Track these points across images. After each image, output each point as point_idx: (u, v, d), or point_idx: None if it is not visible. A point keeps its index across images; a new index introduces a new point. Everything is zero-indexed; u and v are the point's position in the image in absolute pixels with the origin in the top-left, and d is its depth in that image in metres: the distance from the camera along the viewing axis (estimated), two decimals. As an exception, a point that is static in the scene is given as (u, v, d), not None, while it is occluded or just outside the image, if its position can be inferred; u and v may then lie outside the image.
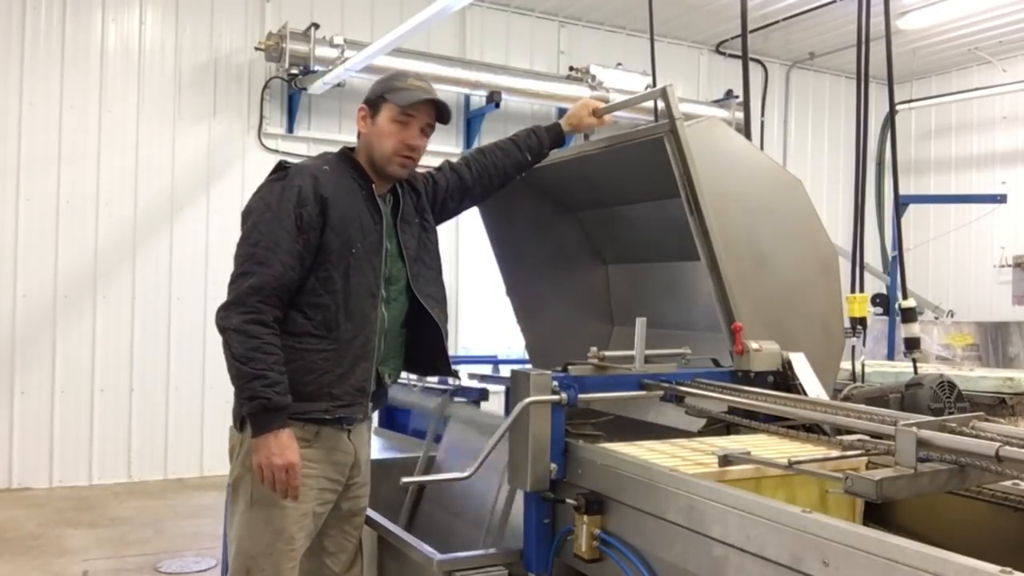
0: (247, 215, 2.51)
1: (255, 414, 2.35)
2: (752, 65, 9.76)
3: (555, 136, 3.05)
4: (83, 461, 7.13)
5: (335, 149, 2.77)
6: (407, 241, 2.68)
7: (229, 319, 2.37)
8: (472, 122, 8.58)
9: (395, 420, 4.24)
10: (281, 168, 2.55)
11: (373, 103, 2.63)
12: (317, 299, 2.47)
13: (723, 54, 10.03)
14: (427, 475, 3.51)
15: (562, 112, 8.73)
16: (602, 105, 3.07)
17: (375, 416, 3.81)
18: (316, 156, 2.73)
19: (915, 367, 4.67)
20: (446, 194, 2.89)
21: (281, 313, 2.42)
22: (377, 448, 3.90)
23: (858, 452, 1.99)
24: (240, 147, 7.76)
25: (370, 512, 2.87)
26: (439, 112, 2.66)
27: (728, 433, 2.54)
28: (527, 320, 4.01)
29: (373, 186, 2.62)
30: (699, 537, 1.79)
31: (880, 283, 9.26)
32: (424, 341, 2.72)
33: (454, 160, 2.99)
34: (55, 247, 7.08)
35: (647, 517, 1.96)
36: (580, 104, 3.08)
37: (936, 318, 9.48)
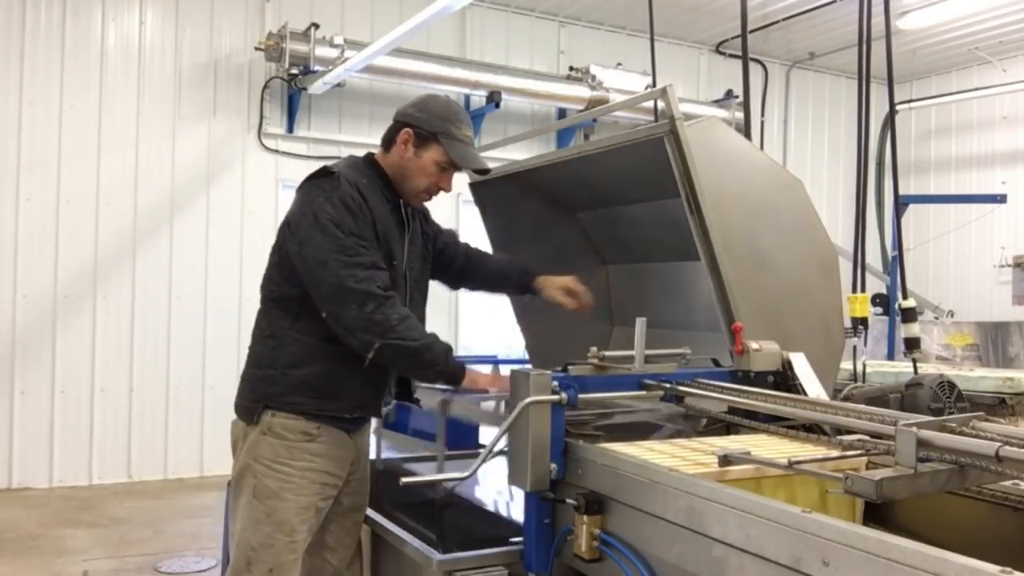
0: (306, 226, 2.48)
1: (456, 372, 2.56)
2: (752, 65, 9.75)
3: (525, 285, 3.14)
4: (83, 461, 7.13)
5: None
6: (412, 262, 2.75)
7: (388, 319, 2.41)
8: (472, 122, 8.56)
9: (396, 420, 4.23)
10: (328, 173, 2.56)
11: (423, 136, 2.63)
12: None
13: (723, 54, 10.03)
14: (427, 475, 3.50)
15: (562, 113, 8.84)
16: (581, 290, 3.05)
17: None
18: (349, 164, 2.69)
19: (915, 367, 4.67)
20: (440, 254, 3.01)
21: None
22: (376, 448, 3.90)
23: (858, 452, 1.98)
24: (240, 147, 7.75)
25: (369, 511, 2.87)
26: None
27: (728, 433, 2.54)
28: (527, 320, 4.01)
29: (401, 202, 2.69)
30: (699, 537, 1.79)
31: (880, 283, 9.26)
32: None
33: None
34: (55, 247, 7.08)
35: (647, 517, 1.96)
36: (563, 280, 3.09)
37: (936, 318, 9.48)
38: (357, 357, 2.48)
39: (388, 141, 2.70)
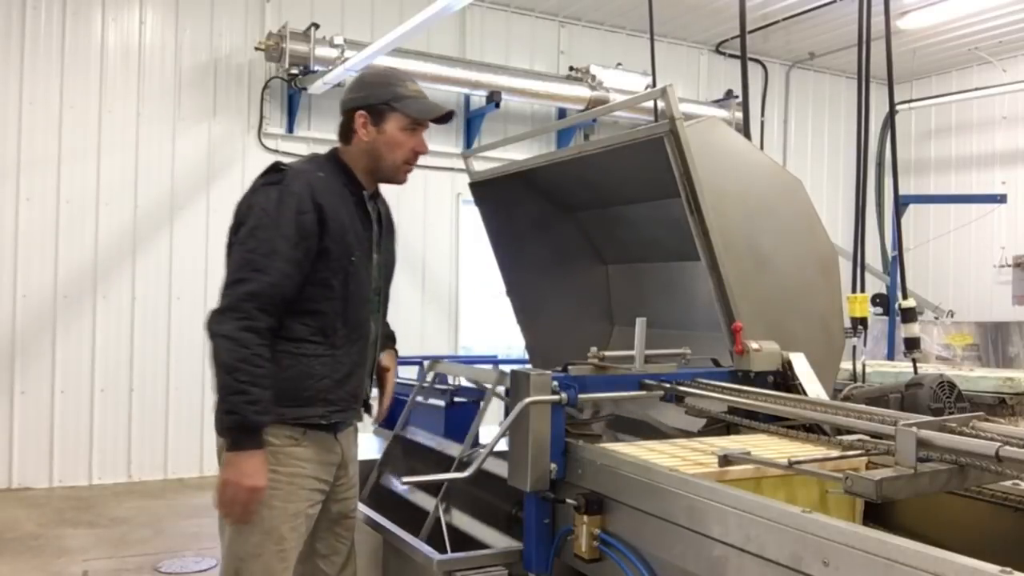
0: (242, 218, 2.45)
1: (231, 428, 2.30)
2: (752, 65, 9.79)
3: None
4: (83, 461, 7.12)
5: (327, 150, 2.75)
6: (386, 257, 2.68)
7: (222, 324, 2.31)
8: (472, 122, 8.58)
9: (395, 420, 4.24)
10: (276, 170, 2.48)
11: (377, 110, 2.56)
12: (316, 306, 2.44)
13: (723, 54, 10.03)
14: (427, 475, 3.50)
15: (562, 113, 8.84)
16: (385, 388, 2.79)
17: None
18: (307, 159, 2.66)
19: (915, 367, 4.67)
20: None
21: (276, 323, 2.37)
22: (378, 449, 3.90)
23: (858, 452, 1.98)
24: (240, 147, 7.75)
25: (371, 513, 2.87)
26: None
27: (728, 433, 2.54)
28: (527, 320, 4.01)
29: (364, 193, 2.59)
30: (699, 537, 1.79)
31: (880, 283, 9.26)
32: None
33: None
34: (55, 247, 7.08)
35: (647, 517, 1.96)
36: (385, 367, 2.78)
37: (936, 318, 9.49)
38: (325, 357, 2.44)
39: (345, 134, 2.63)
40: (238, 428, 2.29)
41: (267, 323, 2.33)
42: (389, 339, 2.89)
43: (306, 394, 2.43)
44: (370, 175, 2.61)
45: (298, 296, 2.41)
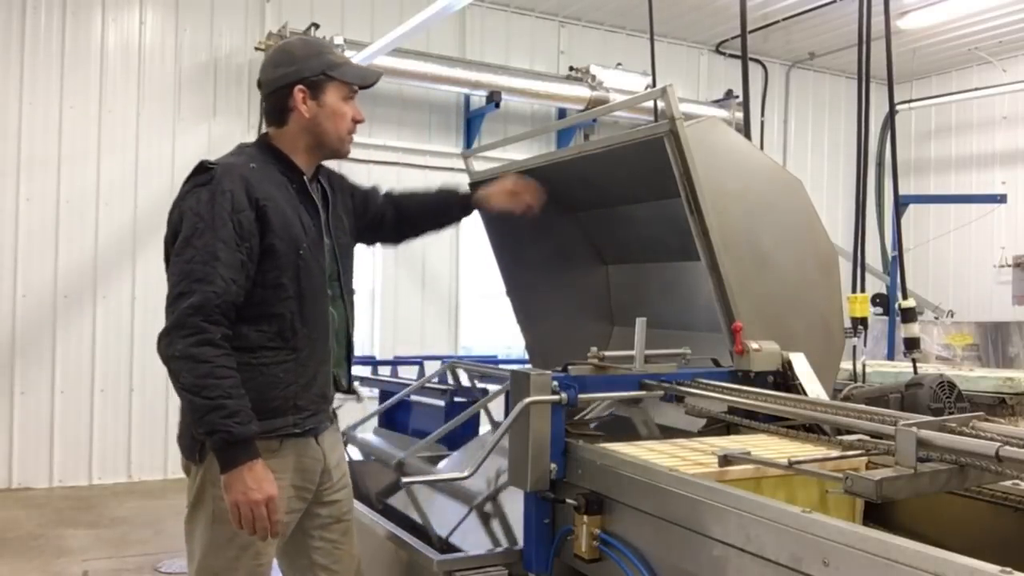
0: (175, 227, 2.28)
1: (219, 450, 2.16)
2: (752, 65, 9.78)
3: (466, 206, 2.96)
4: (83, 461, 7.13)
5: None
6: (340, 238, 2.52)
7: (173, 346, 2.13)
8: (472, 122, 8.58)
9: (395, 420, 4.24)
10: (204, 169, 2.30)
11: (313, 82, 2.39)
12: (270, 309, 2.29)
13: (723, 54, 10.04)
14: (427, 475, 3.50)
15: (562, 113, 8.84)
16: (525, 186, 2.97)
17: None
18: (235, 151, 2.46)
19: (915, 367, 4.67)
20: (365, 214, 2.73)
21: (230, 331, 2.20)
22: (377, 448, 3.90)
23: (858, 452, 1.98)
24: (240, 147, 7.75)
25: (371, 513, 2.87)
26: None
27: (728, 433, 2.54)
28: (527, 320, 4.01)
29: (305, 179, 2.44)
30: (699, 537, 1.79)
31: (880, 283, 9.26)
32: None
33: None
34: (55, 247, 7.09)
35: (647, 517, 1.96)
36: (503, 184, 2.98)
37: (936, 318, 9.49)
38: (288, 362, 2.31)
39: (279, 113, 2.42)
40: (225, 446, 2.15)
41: (222, 333, 2.17)
42: (456, 193, 2.95)
43: (274, 404, 2.28)
44: (312, 154, 2.46)
45: (248, 301, 2.25)
